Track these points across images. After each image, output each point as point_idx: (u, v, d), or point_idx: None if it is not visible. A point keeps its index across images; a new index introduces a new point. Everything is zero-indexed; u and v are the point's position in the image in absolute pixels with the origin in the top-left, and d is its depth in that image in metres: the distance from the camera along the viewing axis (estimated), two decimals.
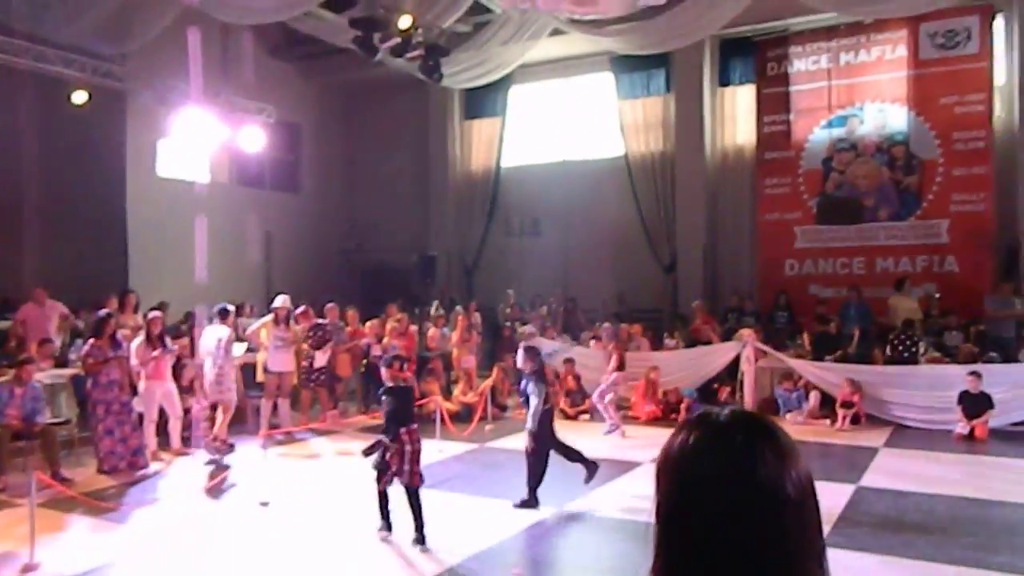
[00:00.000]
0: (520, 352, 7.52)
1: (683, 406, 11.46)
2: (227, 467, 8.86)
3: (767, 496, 1.04)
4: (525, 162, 18.42)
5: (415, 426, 6.25)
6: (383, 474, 6.19)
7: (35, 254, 14.48)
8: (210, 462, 9.06)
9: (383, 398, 6.31)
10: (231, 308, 10.58)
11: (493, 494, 7.53)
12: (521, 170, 18.35)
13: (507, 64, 14.93)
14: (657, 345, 13.34)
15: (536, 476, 7.13)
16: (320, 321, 11.54)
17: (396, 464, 6.11)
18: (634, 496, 7.57)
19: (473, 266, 18.72)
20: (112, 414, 8.60)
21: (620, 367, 10.11)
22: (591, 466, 7.32)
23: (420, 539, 6.14)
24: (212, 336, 9.89)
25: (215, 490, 7.85)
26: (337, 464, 9.12)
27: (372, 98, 19.57)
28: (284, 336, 10.74)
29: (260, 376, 10.47)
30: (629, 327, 13.24)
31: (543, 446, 7.24)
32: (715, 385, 12.08)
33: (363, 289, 19.01)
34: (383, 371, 6.47)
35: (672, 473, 1.10)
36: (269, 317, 10.79)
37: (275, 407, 10.78)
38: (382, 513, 6.23)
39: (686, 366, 12.21)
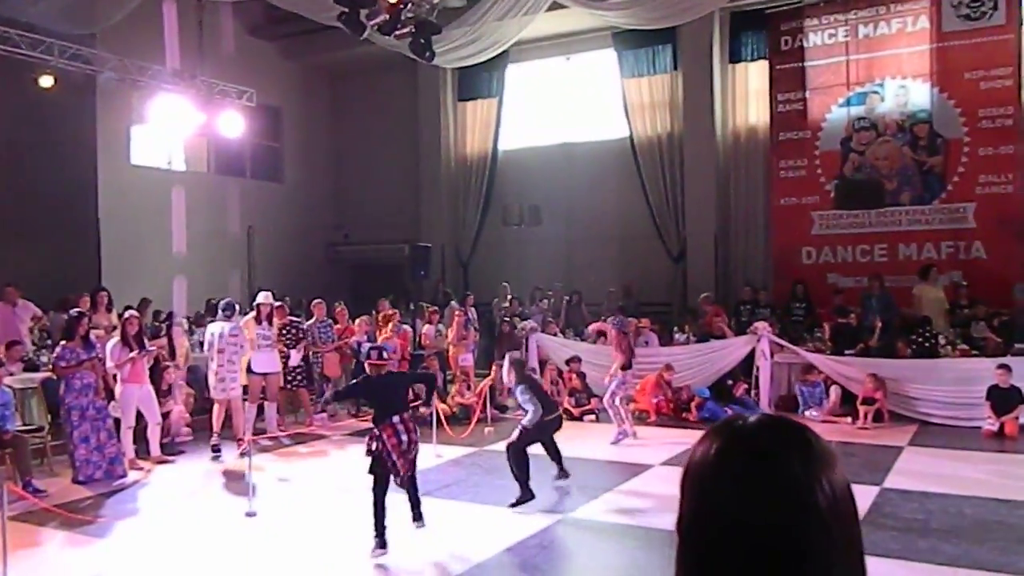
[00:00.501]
0: (504, 365, 7.79)
1: (694, 404, 11.48)
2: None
3: (793, 507, 1.03)
4: (523, 146, 18.41)
5: (407, 414, 6.28)
6: (380, 476, 6.20)
7: (1, 249, 14.47)
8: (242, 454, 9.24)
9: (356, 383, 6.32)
10: (236, 304, 10.77)
11: (494, 500, 7.55)
12: (519, 154, 18.34)
13: (503, 41, 14.88)
14: (666, 340, 13.38)
15: (521, 468, 7.26)
16: (293, 318, 11.55)
17: (391, 457, 6.12)
18: (643, 500, 7.59)
19: (469, 258, 18.74)
20: (87, 420, 8.60)
21: (627, 365, 10.08)
22: (526, 494, 7.32)
23: (418, 516, 6.27)
24: (214, 332, 10.08)
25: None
26: (327, 471, 9.14)
27: (359, 79, 19.54)
28: (268, 335, 10.73)
29: (243, 378, 10.45)
30: (637, 321, 13.23)
31: (525, 439, 7.41)
32: (729, 382, 12.11)
33: (352, 284, 19.04)
34: (366, 367, 6.57)
35: (695, 483, 1.10)
36: (251, 315, 10.78)
37: (260, 410, 10.78)
38: (377, 528, 6.13)
39: (698, 362, 12.23)
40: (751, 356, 11.81)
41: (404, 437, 6.20)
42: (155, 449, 9.41)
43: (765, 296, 14.24)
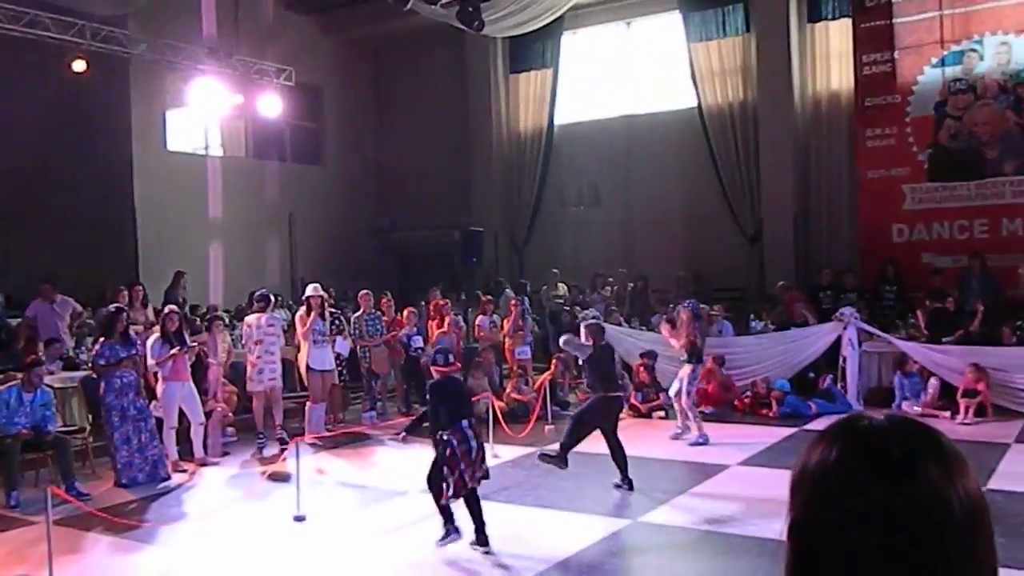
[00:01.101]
0: (582, 330, 8.25)
1: (774, 398, 11.37)
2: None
3: (928, 520, 1.00)
4: (581, 120, 18.37)
5: (471, 421, 6.42)
6: (442, 489, 6.31)
7: (34, 243, 14.96)
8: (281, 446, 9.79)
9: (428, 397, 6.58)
10: (271, 296, 11.10)
11: (557, 505, 7.57)
12: (577, 129, 18.30)
13: (557, 7, 14.82)
14: (742, 328, 13.22)
15: (571, 437, 7.65)
16: (333, 309, 11.71)
17: (457, 469, 6.22)
18: (720, 504, 7.55)
19: (524, 242, 18.79)
20: (128, 421, 8.84)
21: (695, 357, 10.01)
22: (561, 460, 7.74)
23: (482, 539, 6.32)
24: (251, 323, 10.45)
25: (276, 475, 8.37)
26: (377, 472, 9.29)
27: (403, 54, 19.68)
28: (323, 329, 10.91)
29: (307, 378, 10.68)
30: (709, 308, 13.13)
31: (590, 417, 7.78)
32: (811, 375, 11.97)
33: (399, 272, 19.23)
34: (433, 372, 6.75)
35: (811, 490, 1.07)
36: (302, 310, 10.97)
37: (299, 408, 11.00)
38: (446, 518, 6.39)
39: (777, 353, 12.11)
40: (836, 346, 11.64)
41: (474, 443, 6.33)
42: (199, 450, 9.64)
43: (851, 279, 14.00)
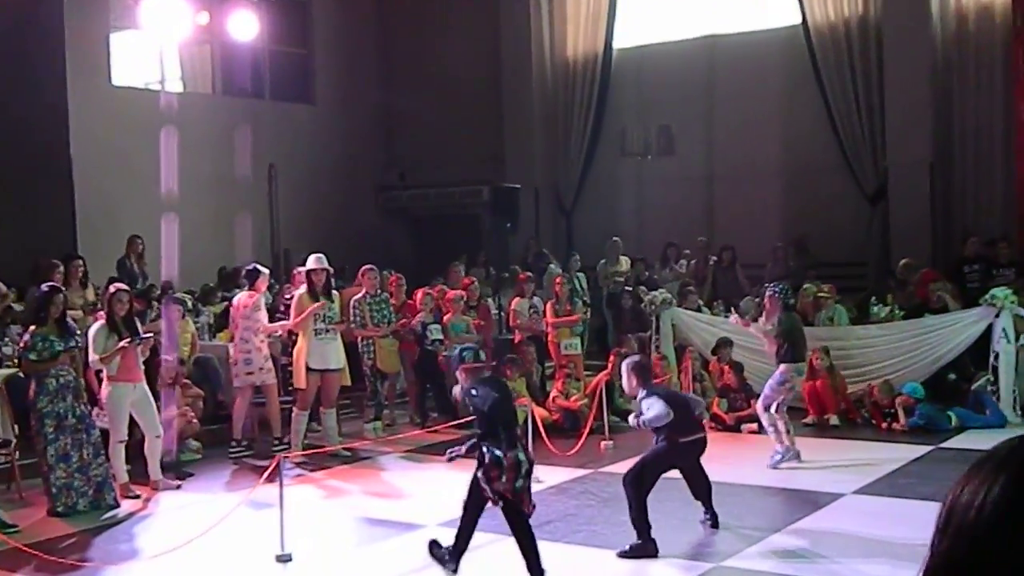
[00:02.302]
0: (623, 370, 7.93)
1: (901, 406, 11.29)
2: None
3: None
4: (648, 42, 18.25)
5: (519, 429, 6.56)
6: (479, 496, 6.47)
7: None
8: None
9: (473, 393, 6.62)
10: (263, 269, 11.30)
11: (615, 544, 7.56)
12: (642, 55, 18.19)
13: None
14: (861, 315, 13.08)
15: (642, 508, 7.33)
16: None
17: (503, 482, 6.35)
18: (827, 545, 7.51)
19: (573, 203, 18.73)
20: (66, 432, 8.88)
21: (793, 353, 9.90)
22: (646, 545, 7.34)
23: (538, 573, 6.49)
24: (240, 303, 10.78)
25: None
26: (384, 500, 9.32)
27: None
28: (334, 316, 10.95)
29: (301, 380, 10.76)
30: (816, 288, 13.00)
31: (652, 466, 7.51)
32: (951, 376, 11.84)
33: (412, 242, 19.26)
34: (459, 375, 6.82)
35: (966, 531, 1.07)
36: (302, 290, 11.02)
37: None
38: (459, 541, 6.55)
39: (906, 347, 12.01)
40: (985, 339, 11.53)
41: (523, 457, 6.46)
42: (155, 470, 9.67)
43: (1006, 251, 13.82)
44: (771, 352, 10.00)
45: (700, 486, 7.87)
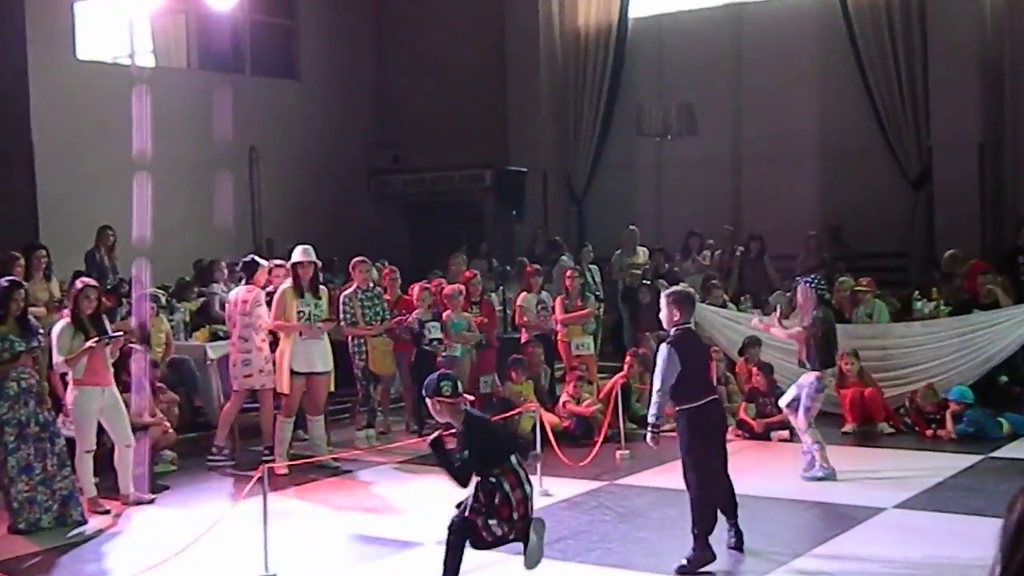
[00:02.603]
0: (663, 302, 7.86)
1: (948, 413, 11.29)
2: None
3: None
4: (669, 10, 18.26)
5: (514, 461, 6.58)
6: (464, 533, 6.45)
7: None
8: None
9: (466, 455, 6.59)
10: (263, 262, 11.33)
11: (632, 563, 7.57)
12: (662, 25, 18.19)
13: None
14: (903, 311, 13.07)
15: (706, 504, 7.34)
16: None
17: (511, 517, 6.42)
18: (864, 566, 7.51)
19: (585, 188, 18.73)
20: (28, 441, 8.87)
21: (821, 361, 9.85)
22: (702, 553, 7.35)
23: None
24: (236, 300, 10.88)
25: None
26: (376, 516, 9.33)
27: None
28: (321, 313, 10.91)
29: (284, 384, 10.77)
30: (853, 283, 12.99)
31: (702, 461, 7.46)
32: (1003, 378, 11.85)
33: (408, 231, 19.22)
34: (429, 402, 6.81)
35: None
36: (285, 284, 11.02)
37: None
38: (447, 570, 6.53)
39: (953, 347, 11.99)
40: None
41: (528, 487, 6.54)
42: (126, 483, 9.66)
43: None
44: (804, 355, 9.91)
45: (724, 490, 7.77)
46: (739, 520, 7.80)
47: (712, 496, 7.45)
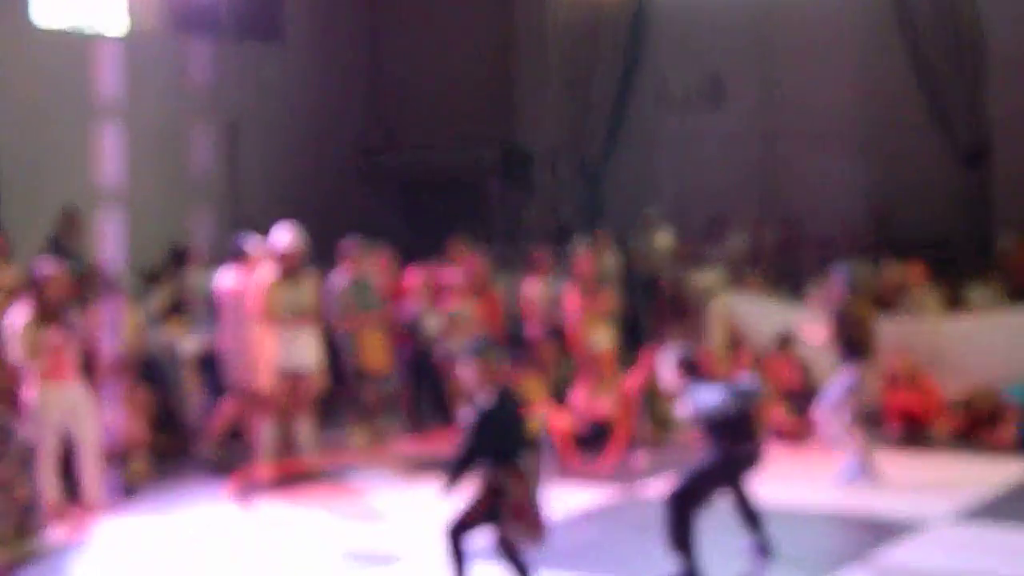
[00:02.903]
0: (665, 360, 7.87)
1: (1007, 415, 11.30)
2: None
3: None
4: None
5: (520, 460, 6.56)
6: (466, 526, 6.51)
7: None
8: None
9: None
10: (254, 246, 11.24)
11: None
12: None
13: None
14: (955, 302, 13.10)
15: (684, 532, 7.35)
16: None
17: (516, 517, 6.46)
18: None
19: (601, 168, 18.74)
20: None
21: (859, 349, 9.92)
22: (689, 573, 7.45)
23: None
24: (226, 286, 10.90)
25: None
26: (363, 526, 9.34)
27: None
28: (300, 305, 10.92)
29: (266, 381, 10.77)
30: (899, 270, 13.01)
31: (701, 481, 7.49)
32: None
33: (403, 214, 19.20)
34: (464, 364, 6.84)
35: None
36: (266, 272, 10.99)
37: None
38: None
39: (1011, 342, 11.96)
40: None
41: (536, 488, 6.56)
42: (92, 489, 9.64)
43: None
44: (835, 348, 10.02)
45: (746, 509, 7.82)
46: (767, 531, 7.80)
47: (687, 517, 7.41)
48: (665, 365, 7.83)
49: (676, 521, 7.35)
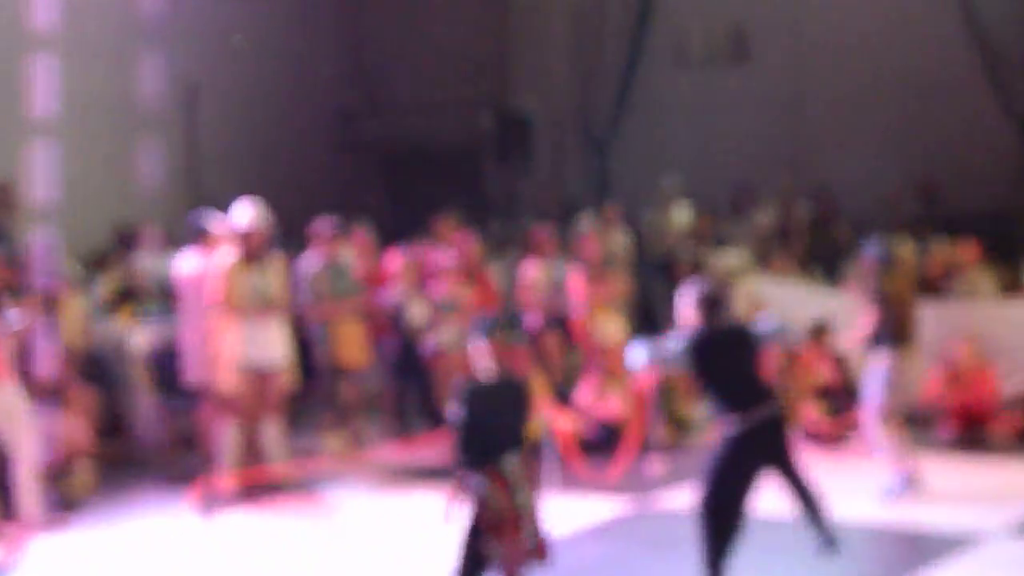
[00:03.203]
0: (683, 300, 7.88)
1: None
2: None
3: None
4: None
5: (505, 464, 6.38)
6: (475, 551, 6.39)
7: None
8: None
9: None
10: (215, 225, 11.22)
11: None
12: None
13: None
14: (1014, 285, 13.12)
15: (713, 546, 7.29)
16: None
17: (497, 531, 6.30)
18: None
19: (609, 135, 18.71)
20: None
21: (895, 335, 9.90)
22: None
23: None
24: (184, 272, 10.88)
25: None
26: (341, 542, 9.30)
27: None
28: (267, 292, 10.80)
29: (228, 378, 10.66)
30: (948, 249, 13.03)
31: (725, 488, 7.39)
32: None
33: (385, 189, 19.18)
34: (477, 342, 6.65)
35: None
36: (226, 255, 10.86)
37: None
38: None
39: None
40: None
41: (527, 499, 6.39)
42: (29, 503, 9.57)
43: None
44: (868, 333, 10.07)
45: (802, 493, 7.62)
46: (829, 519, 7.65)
47: (725, 531, 7.35)
48: (684, 301, 7.76)
49: (711, 534, 7.28)
